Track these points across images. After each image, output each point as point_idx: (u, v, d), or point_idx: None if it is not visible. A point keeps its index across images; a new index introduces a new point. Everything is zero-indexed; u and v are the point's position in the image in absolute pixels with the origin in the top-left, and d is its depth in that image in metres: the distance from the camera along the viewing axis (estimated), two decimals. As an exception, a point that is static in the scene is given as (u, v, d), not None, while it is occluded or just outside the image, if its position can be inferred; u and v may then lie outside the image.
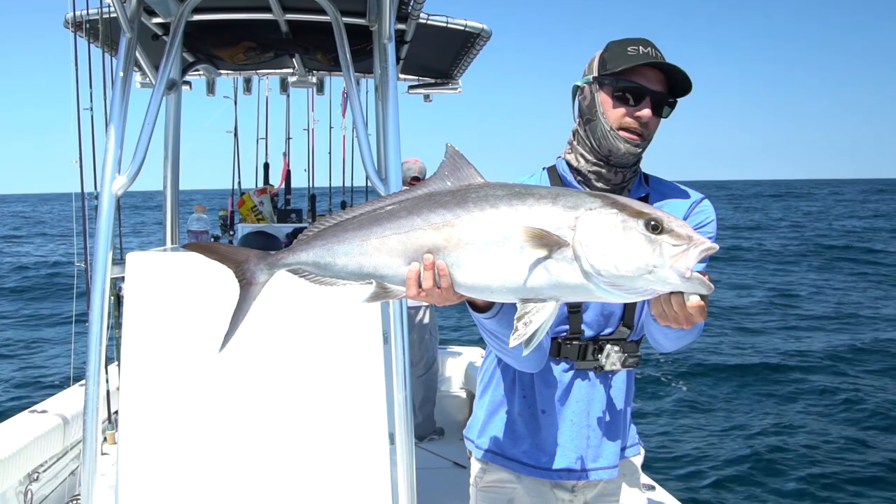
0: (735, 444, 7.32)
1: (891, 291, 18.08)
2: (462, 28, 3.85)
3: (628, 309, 2.21)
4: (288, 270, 1.85)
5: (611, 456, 2.26)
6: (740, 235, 32.25)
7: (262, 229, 4.88)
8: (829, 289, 18.48)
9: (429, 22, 3.64)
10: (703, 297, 1.65)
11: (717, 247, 1.58)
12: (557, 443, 2.24)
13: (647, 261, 1.54)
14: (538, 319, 1.65)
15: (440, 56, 4.64)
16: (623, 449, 2.31)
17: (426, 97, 5.32)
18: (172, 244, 4.08)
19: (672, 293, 1.65)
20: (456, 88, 5.17)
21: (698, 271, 1.56)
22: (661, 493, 3.26)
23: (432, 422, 5.99)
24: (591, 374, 2.22)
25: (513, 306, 1.70)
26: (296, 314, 2.90)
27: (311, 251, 1.80)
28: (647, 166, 2.24)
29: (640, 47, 2.05)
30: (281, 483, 2.93)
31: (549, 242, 1.59)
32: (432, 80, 5.19)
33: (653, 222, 1.56)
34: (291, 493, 2.93)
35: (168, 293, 3.03)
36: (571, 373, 2.22)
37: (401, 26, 3.26)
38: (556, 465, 2.24)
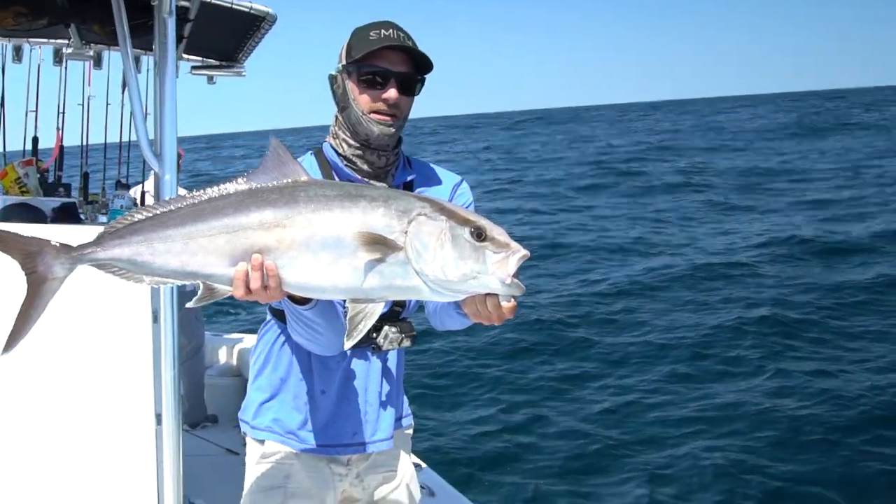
0: (497, 421, 7.69)
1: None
2: (247, 10, 3.82)
3: None
4: (93, 266, 1.75)
5: (387, 428, 2.38)
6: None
7: (25, 202, 4.58)
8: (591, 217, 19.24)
9: (213, 1, 3.59)
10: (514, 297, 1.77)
11: (529, 254, 1.71)
12: (335, 421, 2.32)
13: (471, 267, 1.65)
14: (369, 321, 1.73)
15: (224, 38, 4.57)
16: (397, 420, 2.44)
17: (210, 79, 5.21)
18: None
19: (489, 295, 1.75)
20: (241, 72, 5.10)
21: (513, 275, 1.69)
22: (428, 471, 3.43)
23: (203, 408, 5.88)
24: (368, 352, 2.32)
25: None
26: (61, 289, 2.77)
27: (128, 247, 1.73)
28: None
29: (382, 31, 2.14)
30: (44, 464, 2.80)
31: (383, 247, 1.65)
32: (216, 63, 5.09)
33: (477, 231, 1.66)
34: (56, 474, 2.81)
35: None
36: (349, 353, 2.29)
37: (183, 3, 3.20)
38: (333, 442, 2.33)
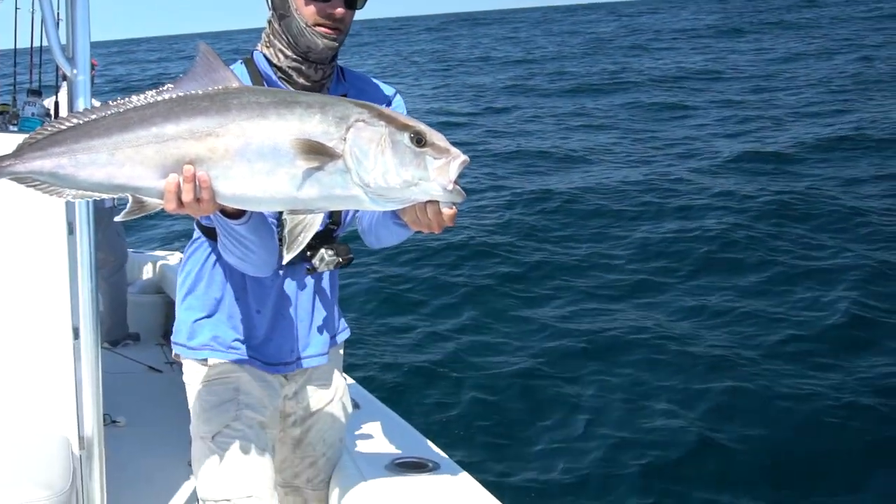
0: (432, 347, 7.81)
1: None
2: None
3: None
4: (12, 179, 1.66)
5: (322, 345, 2.40)
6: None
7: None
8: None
9: None
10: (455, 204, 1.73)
11: (469, 159, 1.67)
12: (272, 339, 2.32)
13: (412, 174, 1.61)
14: (308, 233, 1.67)
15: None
16: (332, 337, 2.45)
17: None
18: None
19: (429, 202, 1.71)
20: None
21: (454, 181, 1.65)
22: (352, 384, 3.46)
23: (125, 326, 5.80)
24: (303, 272, 2.30)
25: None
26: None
27: (49, 159, 1.63)
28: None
29: None
30: None
31: (321, 155, 1.59)
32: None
33: (417, 136, 1.61)
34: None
35: None
36: (284, 272, 2.28)
37: None
38: (272, 360, 2.33)
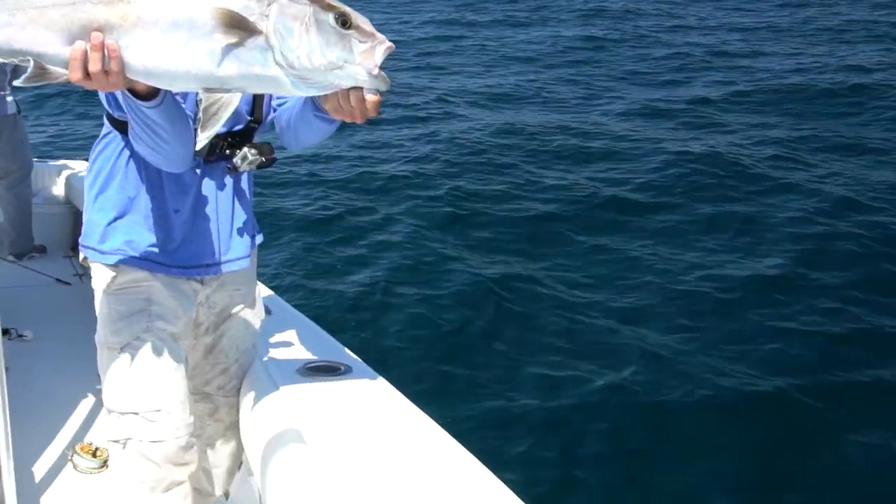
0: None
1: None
2: None
3: (257, 104, 2.23)
4: None
5: (243, 248, 2.36)
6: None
7: None
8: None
9: None
10: (380, 92, 1.65)
11: (394, 46, 1.59)
12: (192, 241, 2.25)
13: (337, 55, 1.53)
14: (225, 113, 1.56)
15: None
16: (252, 238, 2.42)
17: None
18: None
19: (352, 89, 1.64)
20: None
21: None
22: (261, 287, 3.42)
23: (30, 238, 5.60)
24: (223, 171, 2.23)
25: (175, 96, 1.63)
26: None
27: None
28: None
29: None
30: None
31: (242, 29, 1.48)
32: None
33: (342, 17, 1.53)
34: None
35: None
36: (202, 171, 2.21)
37: None
38: (190, 263, 2.26)
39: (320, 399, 2.44)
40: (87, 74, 1.52)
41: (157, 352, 2.21)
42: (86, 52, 1.50)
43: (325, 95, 1.73)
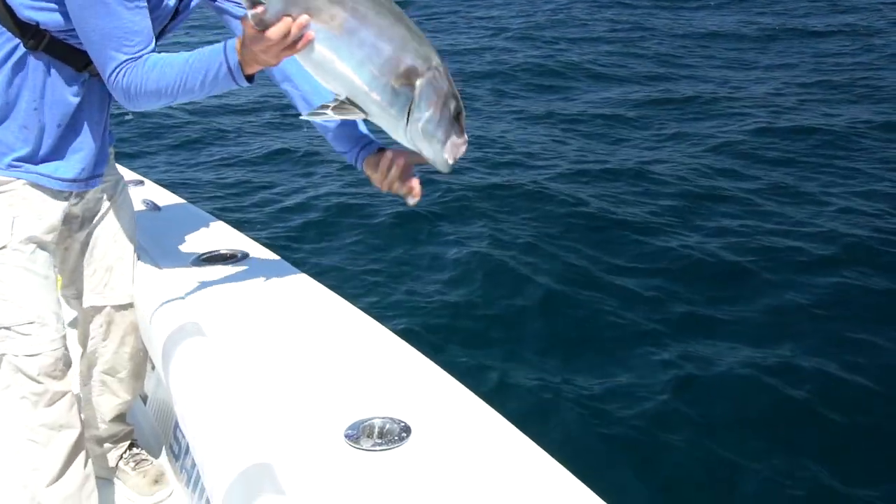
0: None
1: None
2: None
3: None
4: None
5: (111, 161, 2.36)
6: None
7: None
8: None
9: None
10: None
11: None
12: (74, 152, 2.18)
13: (441, 135, 1.80)
14: (350, 117, 1.82)
15: None
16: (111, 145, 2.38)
17: None
18: None
19: (417, 158, 1.93)
20: None
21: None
22: (150, 185, 3.28)
23: None
24: (98, 81, 2.12)
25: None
26: None
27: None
28: None
29: None
30: None
31: (408, 78, 1.74)
32: None
33: (459, 111, 1.80)
34: None
35: None
36: (83, 81, 2.13)
37: None
38: (71, 176, 2.18)
39: (217, 287, 2.36)
40: (284, 37, 1.70)
41: (25, 262, 2.10)
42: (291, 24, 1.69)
43: (378, 158, 2.07)
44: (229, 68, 1.87)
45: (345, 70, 1.75)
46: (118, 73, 1.98)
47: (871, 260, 5.44)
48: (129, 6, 1.94)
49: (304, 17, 1.69)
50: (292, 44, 1.71)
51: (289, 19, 1.69)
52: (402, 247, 5.92)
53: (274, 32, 1.69)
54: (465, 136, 1.84)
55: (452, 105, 1.79)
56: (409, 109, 1.77)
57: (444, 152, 1.82)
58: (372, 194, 6.55)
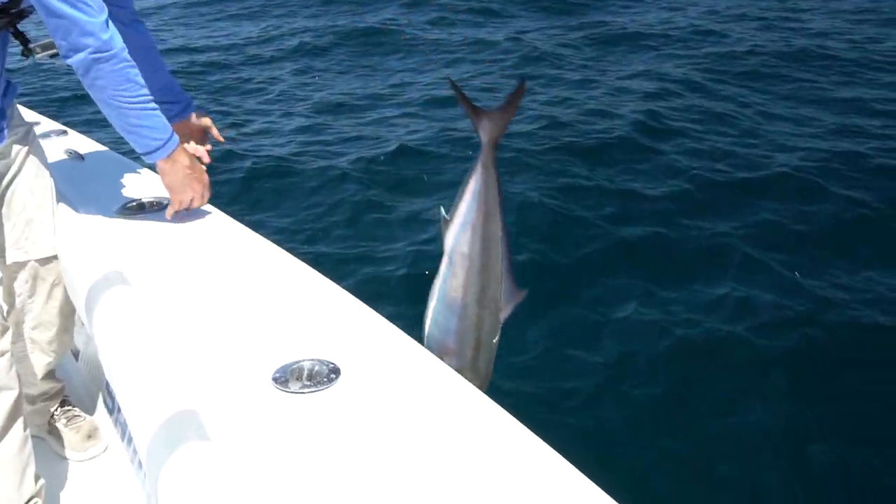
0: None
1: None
2: None
3: None
4: None
5: (14, 110, 2.28)
6: None
7: None
8: None
9: None
10: None
11: None
12: None
13: None
14: None
15: None
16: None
17: None
18: None
19: None
20: None
21: None
22: (74, 135, 3.16)
23: None
24: (9, 36, 2.14)
25: None
26: None
27: None
28: None
29: None
30: None
31: None
32: None
33: None
34: None
35: None
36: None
37: None
38: None
39: (141, 235, 2.29)
40: None
41: None
42: None
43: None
44: (161, 146, 2.16)
45: None
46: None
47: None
48: None
49: None
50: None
51: None
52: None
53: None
54: None
55: None
56: None
57: None
58: (312, 152, 6.41)
